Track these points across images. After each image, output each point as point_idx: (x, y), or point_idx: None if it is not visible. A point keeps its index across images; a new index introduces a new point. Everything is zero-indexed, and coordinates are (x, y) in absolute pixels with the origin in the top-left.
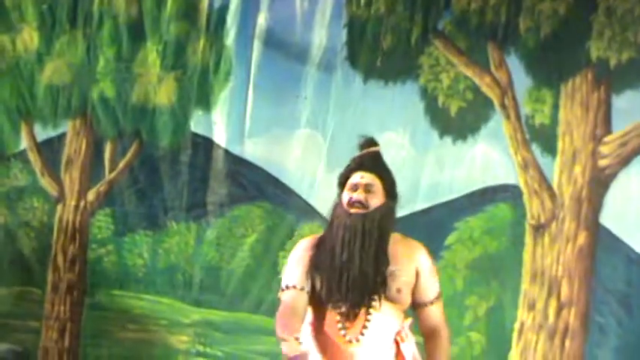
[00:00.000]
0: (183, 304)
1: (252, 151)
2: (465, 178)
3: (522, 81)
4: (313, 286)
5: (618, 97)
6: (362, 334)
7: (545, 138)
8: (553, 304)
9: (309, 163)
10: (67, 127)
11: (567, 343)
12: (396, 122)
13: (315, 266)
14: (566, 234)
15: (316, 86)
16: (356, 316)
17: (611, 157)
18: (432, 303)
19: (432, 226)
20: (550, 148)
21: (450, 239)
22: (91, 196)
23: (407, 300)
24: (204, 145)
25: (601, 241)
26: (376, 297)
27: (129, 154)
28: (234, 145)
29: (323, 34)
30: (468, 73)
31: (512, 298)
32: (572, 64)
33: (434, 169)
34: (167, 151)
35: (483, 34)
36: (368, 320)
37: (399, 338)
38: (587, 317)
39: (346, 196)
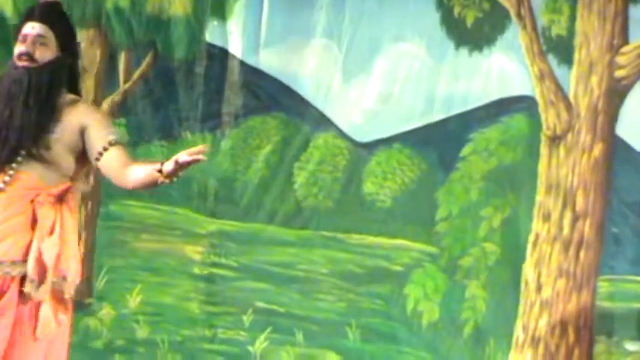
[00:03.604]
0: (198, 214)
1: (268, 61)
2: (481, 89)
3: None
4: None
5: (636, 6)
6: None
7: (562, 49)
8: (568, 216)
9: (324, 74)
10: (82, 37)
11: (582, 254)
12: (412, 33)
13: None
14: (581, 145)
15: None
16: (1, 169)
17: (629, 67)
18: (105, 150)
19: (448, 138)
20: (566, 59)
21: (465, 150)
22: (105, 105)
23: (59, 159)
24: (219, 55)
25: (617, 153)
26: (23, 152)
27: (143, 65)
28: (249, 55)
29: None
30: None
31: (527, 210)
32: None
33: (449, 80)
34: (182, 62)
35: None
36: (9, 174)
37: (35, 200)
38: (603, 228)
39: (16, 49)
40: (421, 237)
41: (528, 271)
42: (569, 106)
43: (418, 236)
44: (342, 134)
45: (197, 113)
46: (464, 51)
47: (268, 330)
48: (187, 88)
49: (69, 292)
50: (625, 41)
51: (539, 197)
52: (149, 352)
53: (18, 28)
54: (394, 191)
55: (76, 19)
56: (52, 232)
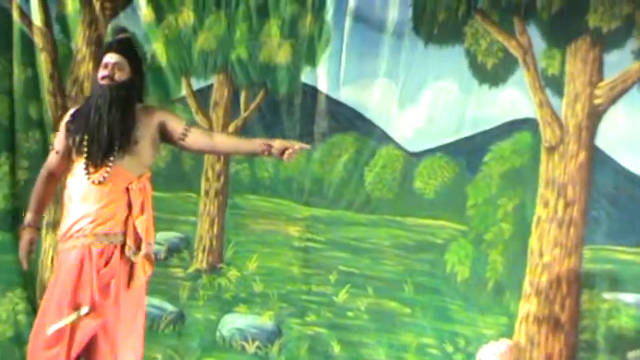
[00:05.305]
0: (297, 204)
1: (346, 95)
2: (498, 114)
3: (539, 44)
4: (72, 144)
5: (608, 54)
6: (103, 177)
7: (556, 85)
8: (561, 203)
9: (385, 103)
10: (214, 80)
11: (571, 230)
12: (448, 74)
13: (70, 129)
14: (570, 153)
15: (391, 49)
16: (102, 163)
17: (603, 97)
18: (187, 131)
19: (474, 148)
20: (559, 92)
21: (487, 157)
22: (231, 128)
23: (142, 150)
24: (311, 91)
25: (596, 158)
26: (117, 148)
27: (258, 99)
28: (332, 91)
29: (395, 11)
30: (500, 38)
31: (531, 199)
32: (575, 31)
33: (475, 107)
34: (285, 96)
35: (510, 10)
36: (109, 167)
37: (129, 187)
38: (586, 212)
39: (100, 73)
40: (456, 219)
41: (533, 243)
42: (561, 126)
43: (454, 218)
44: (399, 146)
45: (296, 132)
46: (485, 86)
47: (348, 286)
48: (289, 115)
49: (153, 252)
50: (600, 79)
51: (541, 190)
52: (264, 301)
53: (101, 57)
54: (436, 187)
55: (210, 67)
56: (142, 212)
